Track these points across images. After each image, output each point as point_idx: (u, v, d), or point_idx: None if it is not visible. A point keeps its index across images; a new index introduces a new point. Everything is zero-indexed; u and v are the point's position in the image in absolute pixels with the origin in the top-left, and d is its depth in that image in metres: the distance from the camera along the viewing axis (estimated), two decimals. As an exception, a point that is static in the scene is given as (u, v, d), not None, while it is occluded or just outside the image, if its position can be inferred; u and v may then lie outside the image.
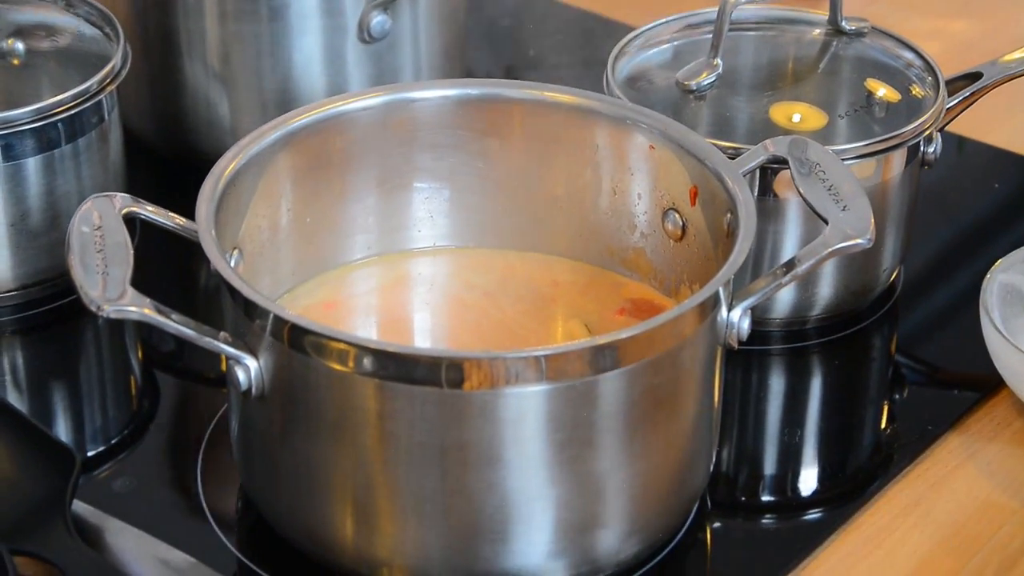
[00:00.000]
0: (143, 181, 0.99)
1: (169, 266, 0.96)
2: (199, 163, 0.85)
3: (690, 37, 0.96)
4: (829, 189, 0.77)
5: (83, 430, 0.86)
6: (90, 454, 0.84)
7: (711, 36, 0.92)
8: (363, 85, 0.99)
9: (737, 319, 0.74)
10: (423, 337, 0.84)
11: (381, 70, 1.00)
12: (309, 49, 0.98)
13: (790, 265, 0.75)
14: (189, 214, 0.76)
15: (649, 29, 0.96)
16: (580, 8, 1.22)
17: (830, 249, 0.75)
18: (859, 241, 0.75)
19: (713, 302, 0.73)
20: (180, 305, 0.72)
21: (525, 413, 0.69)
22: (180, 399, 0.88)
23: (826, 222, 0.76)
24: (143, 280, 0.72)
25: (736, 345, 0.75)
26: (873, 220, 0.75)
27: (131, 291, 0.71)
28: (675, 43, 0.96)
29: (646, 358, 0.70)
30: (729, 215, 0.77)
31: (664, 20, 0.96)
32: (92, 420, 0.87)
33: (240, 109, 1.00)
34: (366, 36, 0.98)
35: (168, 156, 1.03)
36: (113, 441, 0.85)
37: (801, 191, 0.78)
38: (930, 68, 0.93)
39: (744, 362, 0.89)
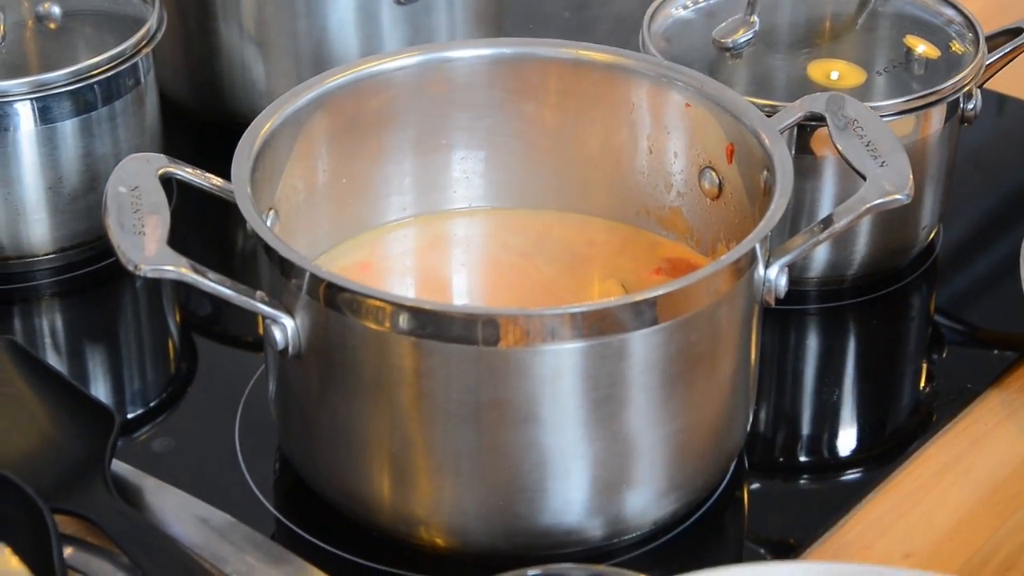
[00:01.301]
0: (178, 143, 0.99)
1: (204, 227, 0.96)
2: (234, 125, 0.85)
3: (727, -5, 0.95)
4: (867, 145, 0.77)
5: (122, 391, 0.87)
6: (129, 416, 0.84)
7: (747, -7, 0.91)
8: (398, 46, 0.99)
9: (774, 276, 0.74)
10: (459, 297, 0.84)
11: (416, 31, 1.00)
12: (344, 11, 0.98)
13: (827, 222, 0.75)
14: (225, 175, 0.76)
15: (685, -13, 0.95)
16: (616, -32, 1.21)
17: (868, 205, 0.74)
18: (897, 196, 0.74)
19: (750, 259, 0.72)
20: (216, 266, 0.73)
21: (561, 371, 0.69)
22: (218, 360, 0.88)
23: (864, 178, 0.75)
24: (179, 241, 0.73)
25: (773, 302, 0.74)
26: (911, 176, 0.75)
27: (168, 251, 0.71)
28: (711, 1, 0.95)
29: (682, 315, 0.70)
30: (766, 172, 0.76)
31: (700, -22, 0.95)
32: (131, 381, 0.88)
33: (275, 71, 1.00)
34: (401, -3, 0.98)
35: (203, 118, 1.03)
36: (152, 402, 0.86)
37: (839, 147, 0.77)
38: (970, 24, 0.92)
39: (781, 322, 0.89)
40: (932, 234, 0.93)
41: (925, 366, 0.89)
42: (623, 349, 0.70)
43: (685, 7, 0.94)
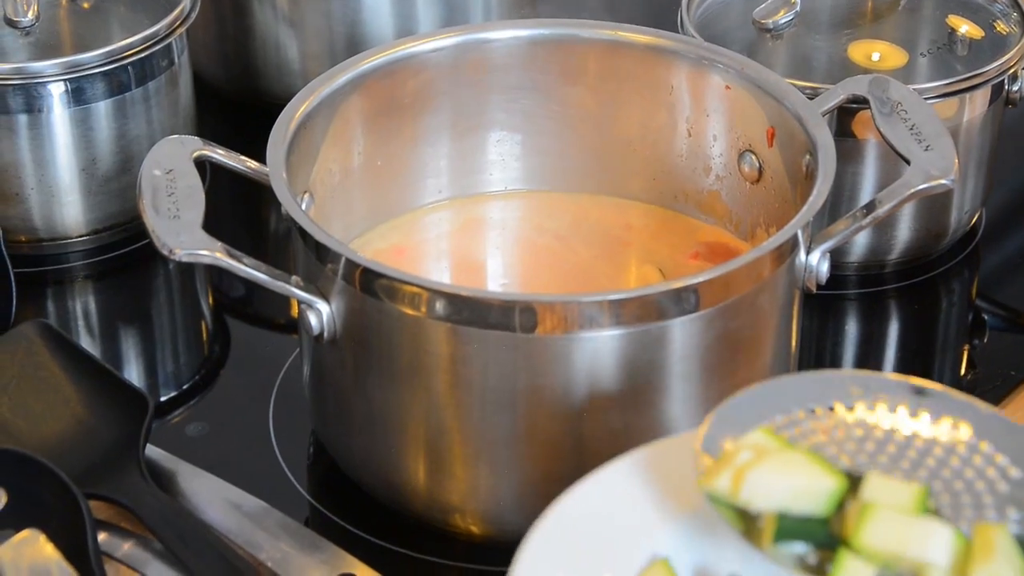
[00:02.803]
0: (212, 125, 0.99)
1: (238, 210, 0.95)
2: (268, 107, 0.85)
3: (766, -25, 0.94)
4: (911, 129, 0.76)
5: (156, 375, 0.86)
6: (162, 399, 0.84)
7: (788, -26, 0.90)
8: (432, 27, 0.98)
9: (816, 262, 0.73)
10: (495, 281, 0.83)
11: (451, 12, 0.99)
12: (379, -10, 0.97)
13: (871, 207, 0.73)
14: (259, 158, 0.75)
15: (725, -33, 0.94)
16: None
17: (913, 190, 0.73)
18: (943, 181, 0.73)
19: (792, 245, 0.71)
20: (249, 248, 0.72)
21: (599, 358, 0.68)
22: (251, 344, 0.88)
23: (908, 162, 0.74)
24: (212, 223, 0.72)
25: (814, 289, 0.73)
26: (957, 160, 0.74)
27: (203, 234, 0.70)
28: (751, -19, 0.94)
29: (723, 302, 0.69)
30: (808, 156, 0.75)
31: (740, -42, 0.94)
32: (164, 365, 0.87)
33: (309, 52, 0.99)
34: (436, -23, 0.97)
35: (237, 100, 1.03)
36: (185, 386, 0.85)
37: (882, 131, 0.76)
38: (1015, 3, 0.91)
39: (821, 307, 0.88)
40: (974, 218, 0.92)
41: (967, 352, 0.87)
42: (663, 336, 0.69)
43: (724, -13, 0.93)
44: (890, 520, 0.57)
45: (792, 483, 0.59)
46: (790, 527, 0.58)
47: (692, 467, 0.61)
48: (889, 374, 0.64)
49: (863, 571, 0.57)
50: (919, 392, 0.63)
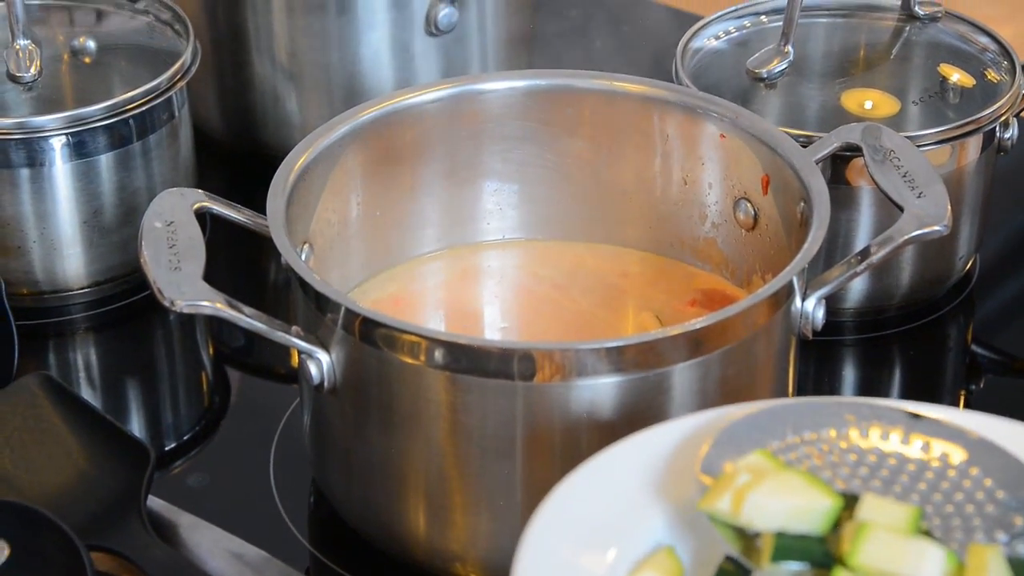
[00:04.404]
0: (212, 176, 1.00)
1: (238, 261, 0.96)
2: (268, 158, 0.85)
3: (759, 25, 0.95)
4: (904, 176, 0.76)
5: (157, 426, 0.87)
6: (164, 450, 0.84)
7: (780, 24, 0.91)
8: (430, 78, 0.99)
9: (811, 309, 0.73)
10: (493, 330, 0.83)
11: (448, 63, 1.00)
12: (376, 43, 0.98)
13: (865, 253, 0.74)
14: (258, 209, 0.76)
15: (718, 17, 0.95)
16: (647, -2, 1.21)
17: (906, 237, 0.74)
18: (936, 228, 0.74)
19: (787, 291, 0.72)
20: (250, 299, 0.73)
21: (598, 405, 0.69)
22: (251, 394, 0.88)
23: (901, 209, 0.75)
24: (213, 275, 0.73)
25: (810, 335, 0.74)
26: (950, 207, 0.74)
27: (204, 286, 0.71)
28: (744, 31, 0.95)
29: (719, 349, 0.70)
30: (802, 204, 0.76)
31: (733, 8, 0.95)
32: (165, 416, 0.88)
33: (308, 104, 1.00)
34: (433, 29, 0.98)
35: (237, 151, 1.04)
36: (186, 437, 0.86)
37: (875, 178, 0.77)
38: (1006, 52, 0.92)
39: (818, 353, 0.88)
40: (969, 264, 0.93)
41: (963, 397, 0.88)
42: (660, 383, 0.69)
43: (717, 37, 0.94)
44: (885, 540, 0.59)
45: (790, 503, 0.60)
46: (787, 546, 0.60)
47: (687, 453, 0.62)
48: (882, 400, 0.65)
49: None
50: (911, 418, 0.64)
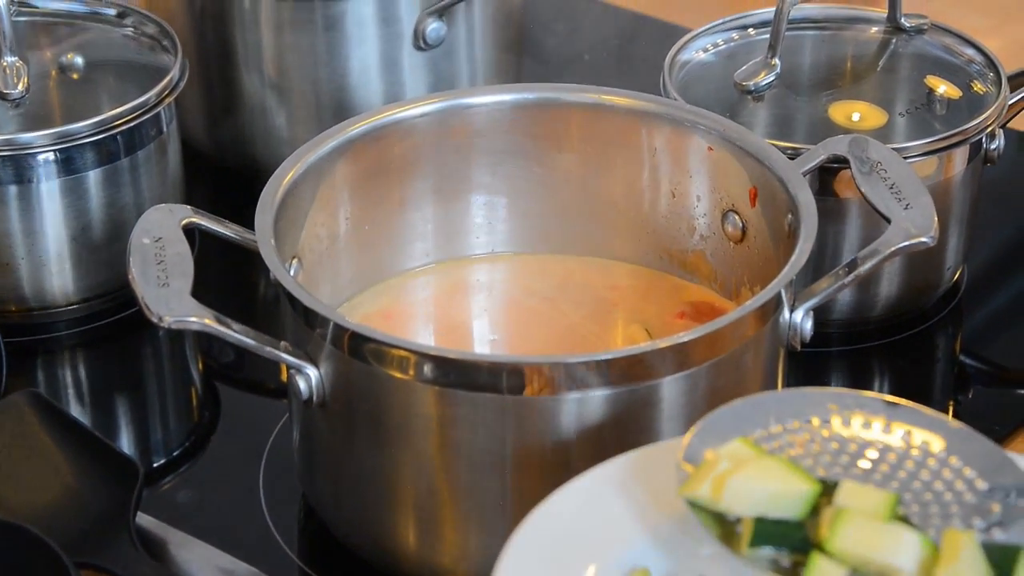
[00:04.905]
0: (201, 192, 1.00)
1: (227, 276, 0.96)
2: (256, 173, 0.85)
3: (746, 38, 0.95)
4: (891, 187, 0.77)
5: (146, 442, 0.86)
6: (152, 466, 0.84)
7: (767, 36, 0.91)
8: (419, 92, 0.99)
9: (800, 320, 0.74)
10: (483, 344, 0.83)
11: (437, 77, 1.00)
12: (365, 57, 0.98)
13: (852, 265, 0.74)
14: (247, 224, 0.76)
15: (704, 31, 0.95)
16: (634, 11, 1.21)
17: (893, 248, 0.74)
18: (923, 239, 0.74)
19: (775, 303, 0.72)
20: (238, 315, 0.73)
21: (588, 418, 0.69)
22: (240, 409, 0.88)
23: (888, 221, 0.75)
24: (201, 290, 0.73)
25: (799, 346, 0.74)
26: (936, 218, 0.75)
27: (192, 302, 0.71)
28: (731, 44, 0.95)
29: (708, 361, 0.70)
30: (790, 216, 0.76)
31: (720, 21, 0.95)
32: (154, 432, 0.88)
33: (297, 119, 1.00)
34: (422, 43, 0.98)
35: (225, 166, 1.04)
36: (175, 453, 0.85)
37: (862, 190, 0.77)
38: (991, 64, 0.92)
39: (806, 364, 0.88)
40: (956, 274, 0.93)
41: (952, 408, 0.88)
42: (650, 396, 0.69)
43: (704, 50, 0.94)
44: (862, 525, 0.60)
45: (769, 488, 0.61)
46: (767, 531, 0.61)
47: (669, 475, 0.63)
48: (864, 391, 0.66)
49: (835, 573, 0.59)
50: (892, 408, 0.65)
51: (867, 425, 0.64)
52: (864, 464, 0.63)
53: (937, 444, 0.64)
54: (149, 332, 0.92)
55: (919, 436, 0.64)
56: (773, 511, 0.61)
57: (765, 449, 0.63)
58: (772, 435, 0.64)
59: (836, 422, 0.64)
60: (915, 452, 0.64)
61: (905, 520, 0.61)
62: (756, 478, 0.61)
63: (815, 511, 0.61)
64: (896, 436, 0.64)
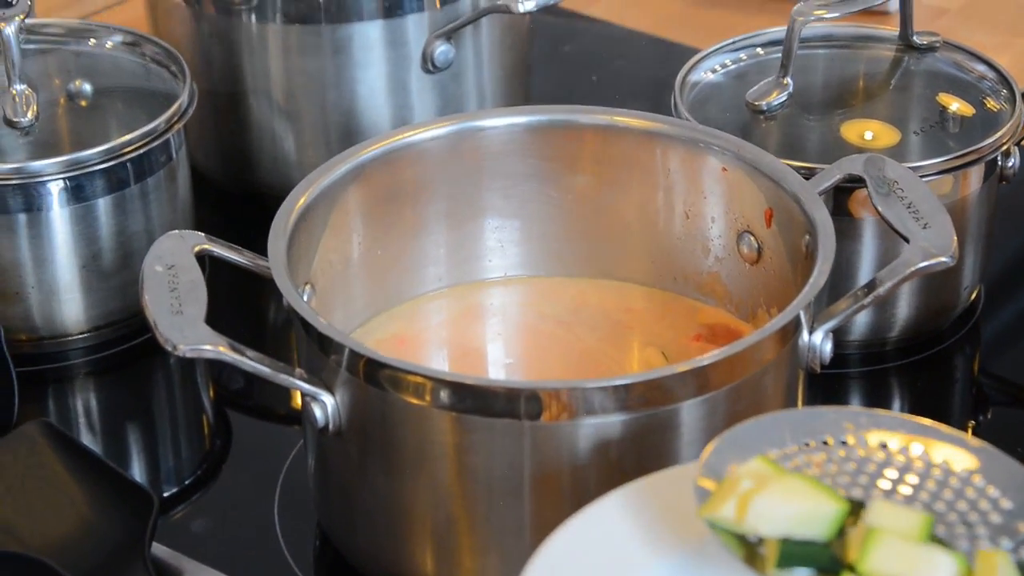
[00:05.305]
0: (210, 218, 0.99)
1: (239, 303, 0.95)
2: (265, 198, 0.85)
3: (756, 57, 0.95)
4: (908, 207, 0.76)
5: (159, 471, 0.86)
6: (166, 495, 0.83)
7: (778, 56, 0.91)
8: (427, 115, 0.99)
9: (819, 342, 0.73)
10: (498, 368, 0.83)
11: (445, 100, 1.00)
12: (373, 81, 0.98)
13: (871, 286, 0.74)
14: (256, 248, 0.75)
15: (715, 50, 0.95)
16: (643, 32, 1.21)
17: (912, 268, 0.73)
18: (942, 259, 0.73)
19: (795, 325, 0.71)
20: (251, 342, 0.72)
21: (606, 443, 0.68)
22: (254, 437, 0.88)
23: (907, 240, 0.74)
24: (213, 317, 0.72)
25: (819, 368, 0.73)
26: (955, 237, 0.74)
27: (206, 329, 0.70)
28: (741, 64, 0.95)
29: (728, 384, 0.69)
30: (807, 236, 0.75)
31: (730, 41, 0.95)
32: (167, 461, 0.87)
33: (305, 143, 0.99)
34: (430, 66, 0.98)
35: (234, 191, 1.03)
36: (188, 482, 0.85)
37: (880, 210, 0.77)
38: (1005, 81, 0.91)
39: (824, 386, 0.88)
40: (973, 294, 0.92)
41: (971, 428, 0.87)
42: (668, 420, 0.69)
43: (714, 70, 0.94)
44: (896, 546, 0.59)
45: (795, 508, 0.60)
46: (792, 552, 0.60)
47: (688, 499, 0.62)
48: (881, 411, 0.65)
49: None
50: (910, 425, 0.64)
51: (884, 444, 0.64)
52: (884, 484, 0.62)
53: (959, 463, 0.63)
54: (160, 360, 0.91)
55: (939, 455, 0.63)
56: (799, 532, 0.60)
57: (784, 468, 0.62)
58: (787, 455, 0.63)
59: (852, 442, 0.64)
60: (936, 472, 0.63)
61: (937, 540, 0.60)
62: (782, 498, 0.60)
63: (841, 531, 0.60)
64: (915, 455, 0.63)
